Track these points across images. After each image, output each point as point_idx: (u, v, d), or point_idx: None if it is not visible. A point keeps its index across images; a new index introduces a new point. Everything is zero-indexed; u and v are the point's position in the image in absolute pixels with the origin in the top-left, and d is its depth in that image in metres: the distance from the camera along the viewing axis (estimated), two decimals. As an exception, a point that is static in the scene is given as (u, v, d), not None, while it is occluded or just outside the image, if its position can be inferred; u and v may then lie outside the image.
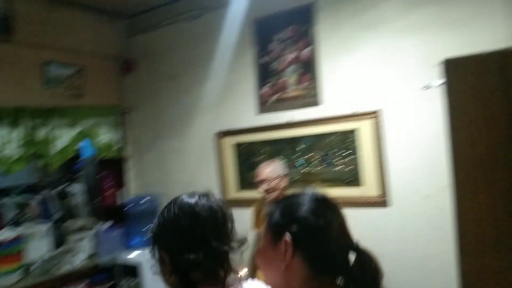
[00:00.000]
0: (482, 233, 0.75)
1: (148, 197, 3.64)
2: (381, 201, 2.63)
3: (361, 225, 2.79)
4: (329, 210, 1.01)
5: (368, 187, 2.69)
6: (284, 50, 2.96)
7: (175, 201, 1.09)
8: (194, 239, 0.99)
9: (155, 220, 1.06)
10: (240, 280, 1.01)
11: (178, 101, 3.55)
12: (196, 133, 3.45)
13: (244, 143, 3.18)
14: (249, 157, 3.16)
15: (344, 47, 2.72)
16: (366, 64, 2.65)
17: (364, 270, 0.96)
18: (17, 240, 3.02)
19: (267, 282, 0.99)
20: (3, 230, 3.08)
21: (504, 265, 0.71)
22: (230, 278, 1.00)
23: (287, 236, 0.95)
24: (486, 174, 0.77)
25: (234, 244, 1.05)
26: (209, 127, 3.34)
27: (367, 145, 2.67)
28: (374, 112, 2.63)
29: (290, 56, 2.93)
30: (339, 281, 0.98)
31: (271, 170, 2.55)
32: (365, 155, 2.69)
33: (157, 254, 1.03)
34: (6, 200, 3.56)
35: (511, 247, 0.70)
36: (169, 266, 0.99)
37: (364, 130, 2.68)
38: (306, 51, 2.86)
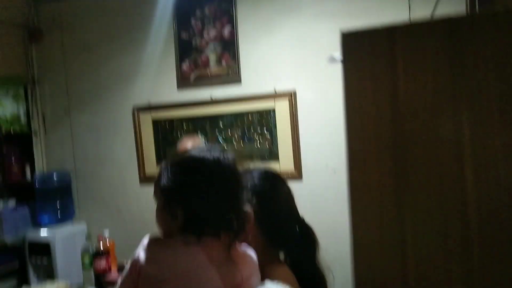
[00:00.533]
0: (368, 194, 0.91)
1: (58, 174, 3.48)
2: (295, 175, 2.83)
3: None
4: (282, 185, 1.12)
5: (285, 162, 2.87)
6: (205, 27, 2.98)
7: (193, 157, 0.98)
8: (217, 198, 0.92)
9: (170, 173, 0.95)
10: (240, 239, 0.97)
11: (91, 74, 3.38)
12: (112, 107, 3.33)
13: (164, 119, 3.17)
14: (168, 134, 3.17)
15: (263, 29, 2.82)
16: (283, 47, 2.79)
17: (306, 242, 1.09)
18: None
19: None
20: None
21: (385, 215, 0.90)
22: (235, 237, 0.95)
23: (249, 208, 0.99)
24: (375, 150, 0.92)
25: (244, 204, 0.99)
26: (126, 101, 3.26)
27: (283, 123, 2.84)
28: (290, 93, 2.79)
29: (211, 34, 2.96)
30: (282, 253, 1.08)
31: (194, 144, 2.58)
32: (281, 132, 2.86)
33: (169, 209, 0.94)
34: None
35: (389, 201, 0.87)
36: (182, 222, 0.92)
37: (280, 109, 2.84)
38: (226, 30, 2.92)
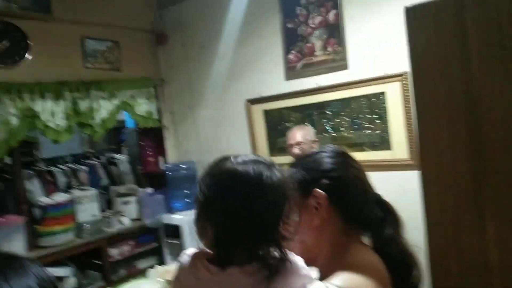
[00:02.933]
0: (442, 188, 0.74)
1: (186, 164, 3.82)
2: (411, 164, 2.61)
3: (391, 188, 2.80)
4: (353, 162, 1.03)
5: (398, 150, 2.67)
6: (310, 14, 2.93)
7: (231, 171, 0.88)
8: (249, 218, 0.83)
9: (204, 185, 0.88)
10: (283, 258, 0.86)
11: (209, 71, 3.63)
12: (228, 101, 3.53)
13: (274, 110, 3.23)
14: (278, 123, 3.22)
15: (370, 9, 2.65)
16: (392, 25, 2.57)
17: (388, 219, 0.98)
18: (69, 203, 3.31)
19: (295, 244, 0.93)
20: (57, 194, 3.38)
21: (462, 214, 0.71)
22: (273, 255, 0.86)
23: (319, 190, 0.94)
24: (447, 120, 0.74)
25: (286, 224, 0.88)
26: (240, 95, 3.41)
27: (395, 108, 2.64)
28: (402, 74, 2.57)
29: (316, 20, 2.90)
30: (366, 235, 0.99)
31: (304, 134, 2.56)
32: (393, 118, 2.66)
33: (200, 224, 0.89)
34: (58, 168, 3.88)
35: (467, 197, 0.69)
36: (212, 239, 0.86)
37: (392, 93, 2.64)
38: (331, 14, 2.82)
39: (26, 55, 2.98)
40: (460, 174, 0.76)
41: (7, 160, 3.33)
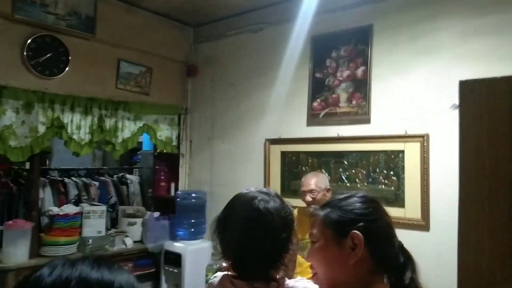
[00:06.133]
0: (479, 241, 0.76)
1: (197, 194, 3.85)
2: (422, 225, 2.63)
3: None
4: (383, 209, 1.11)
5: (410, 210, 2.70)
6: (339, 68, 3.06)
7: (249, 199, 1.18)
8: (260, 245, 1.11)
9: (232, 214, 1.18)
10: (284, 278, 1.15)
11: (233, 107, 3.74)
12: (247, 138, 3.61)
13: (291, 152, 3.30)
14: (295, 166, 3.28)
15: (398, 70, 2.77)
16: (418, 88, 2.68)
17: (409, 265, 1.04)
18: (78, 215, 3.34)
19: (325, 279, 1.05)
20: (67, 205, 3.42)
21: (497, 276, 0.73)
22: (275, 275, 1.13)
23: (358, 232, 1.01)
24: (490, 190, 0.78)
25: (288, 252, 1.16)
26: (260, 133, 3.50)
27: (412, 167, 2.69)
28: (423, 136, 2.65)
29: (344, 74, 3.02)
30: (388, 279, 1.04)
31: (317, 182, 2.56)
32: (410, 177, 2.70)
33: (213, 237, 1.18)
34: (71, 180, 3.93)
35: (504, 254, 0.71)
36: (233, 257, 1.14)
37: (411, 152, 2.70)
38: (359, 70, 2.95)
39: (66, 69, 3.12)
40: (498, 242, 0.79)
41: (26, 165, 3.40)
